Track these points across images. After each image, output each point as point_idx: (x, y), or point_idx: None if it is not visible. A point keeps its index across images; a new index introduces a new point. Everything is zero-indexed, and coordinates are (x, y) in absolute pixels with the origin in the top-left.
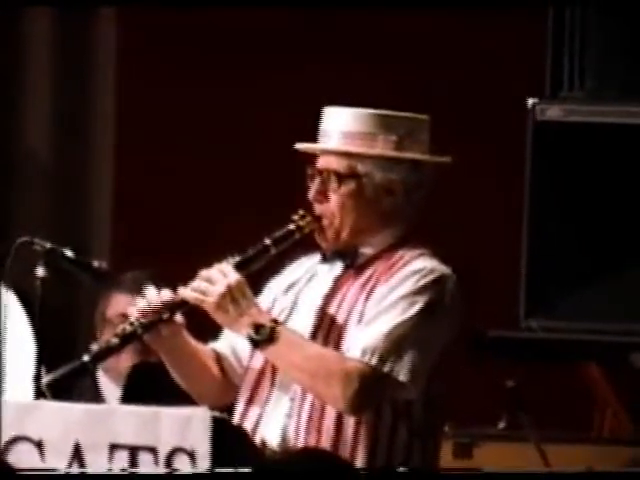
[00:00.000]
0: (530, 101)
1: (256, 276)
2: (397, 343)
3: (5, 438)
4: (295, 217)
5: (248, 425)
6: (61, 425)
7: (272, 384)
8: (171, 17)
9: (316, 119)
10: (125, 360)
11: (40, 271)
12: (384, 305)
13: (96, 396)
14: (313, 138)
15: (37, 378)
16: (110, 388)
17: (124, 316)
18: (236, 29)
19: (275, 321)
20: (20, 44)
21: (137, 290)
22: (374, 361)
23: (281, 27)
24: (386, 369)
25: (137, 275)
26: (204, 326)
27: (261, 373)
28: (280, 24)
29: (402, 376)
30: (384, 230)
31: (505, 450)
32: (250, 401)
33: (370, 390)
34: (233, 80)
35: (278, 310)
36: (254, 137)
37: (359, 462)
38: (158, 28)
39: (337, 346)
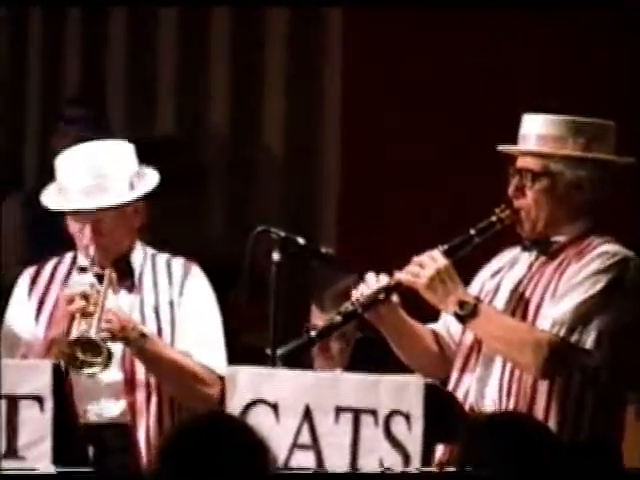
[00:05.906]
0: None
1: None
2: (583, 316)
3: (245, 402)
4: (497, 210)
5: (461, 391)
6: (293, 390)
7: (479, 357)
8: (391, 14)
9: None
10: None
11: (276, 256)
12: (573, 283)
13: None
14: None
15: (272, 350)
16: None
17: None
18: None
19: (477, 299)
20: (259, 46)
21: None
22: (563, 332)
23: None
24: (573, 339)
25: (333, 293)
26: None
27: (471, 348)
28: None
29: (587, 345)
30: (575, 221)
31: None
32: (462, 370)
33: (558, 357)
34: (447, 65)
35: (484, 293)
36: (466, 137)
37: (551, 426)
38: (381, 26)
39: (533, 321)
